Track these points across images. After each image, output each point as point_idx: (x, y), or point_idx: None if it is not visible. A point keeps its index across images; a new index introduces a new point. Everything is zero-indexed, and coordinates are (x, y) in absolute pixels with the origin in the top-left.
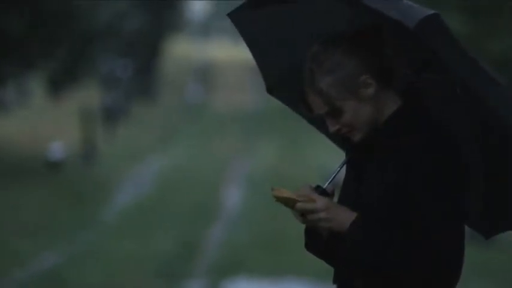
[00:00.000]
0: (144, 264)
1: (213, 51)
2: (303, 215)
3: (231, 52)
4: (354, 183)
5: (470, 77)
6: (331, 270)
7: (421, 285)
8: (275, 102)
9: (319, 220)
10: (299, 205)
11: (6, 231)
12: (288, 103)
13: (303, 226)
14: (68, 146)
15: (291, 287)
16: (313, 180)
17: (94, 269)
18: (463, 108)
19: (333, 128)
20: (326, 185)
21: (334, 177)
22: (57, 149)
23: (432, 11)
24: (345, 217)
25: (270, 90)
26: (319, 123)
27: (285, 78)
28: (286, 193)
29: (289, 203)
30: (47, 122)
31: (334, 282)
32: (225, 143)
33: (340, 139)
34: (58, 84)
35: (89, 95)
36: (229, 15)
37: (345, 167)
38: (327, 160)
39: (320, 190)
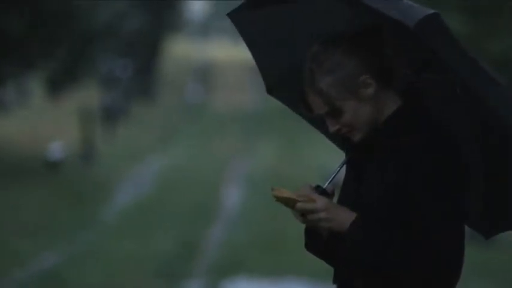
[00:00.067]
0: (144, 264)
1: (212, 51)
2: (303, 215)
3: (231, 52)
4: (354, 183)
5: (470, 77)
6: (331, 270)
7: (421, 285)
8: (275, 102)
9: (319, 220)
10: (299, 205)
11: (6, 231)
12: (287, 103)
13: (303, 226)
14: (68, 146)
15: (291, 287)
16: (312, 180)
17: (94, 269)
18: (463, 108)
19: (333, 128)
20: (326, 185)
21: (334, 177)
22: (56, 149)
23: (432, 11)
24: (345, 217)
25: (270, 90)
26: (319, 123)
27: (285, 78)
28: (286, 193)
29: (289, 203)
30: (47, 122)
31: (334, 282)
32: (224, 143)
33: (340, 139)
34: (58, 84)
35: (88, 95)
36: (229, 15)
37: (344, 167)
38: (327, 160)
39: (320, 190)
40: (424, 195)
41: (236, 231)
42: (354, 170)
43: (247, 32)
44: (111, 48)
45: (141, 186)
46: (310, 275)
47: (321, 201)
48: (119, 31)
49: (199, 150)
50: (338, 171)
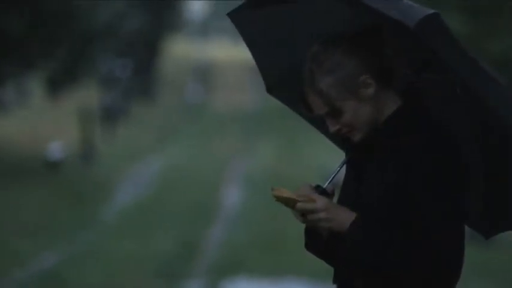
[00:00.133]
0: (144, 264)
1: (212, 51)
2: (303, 215)
3: (231, 52)
4: (354, 183)
5: (470, 77)
6: (331, 270)
7: (421, 285)
8: (274, 102)
9: (319, 220)
10: (299, 205)
11: (6, 231)
12: (287, 103)
13: (303, 226)
14: (68, 146)
15: (290, 287)
16: (312, 180)
17: (94, 269)
18: (463, 108)
19: (333, 128)
20: (326, 184)
21: (334, 177)
22: (56, 149)
23: (432, 11)
24: (345, 217)
25: (270, 90)
26: (319, 123)
27: (285, 78)
28: (286, 193)
29: (289, 203)
30: (47, 122)
31: (334, 282)
32: (224, 143)
33: (340, 139)
34: (58, 84)
35: (88, 95)
36: (229, 15)
37: (344, 166)
38: (327, 160)
39: (320, 190)
40: (424, 195)
41: (236, 231)
42: (354, 170)
43: (247, 31)
44: (111, 48)
45: (141, 186)
46: (310, 275)
47: (321, 201)
48: (119, 31)
49: (199, 150)
50: (338, 171)
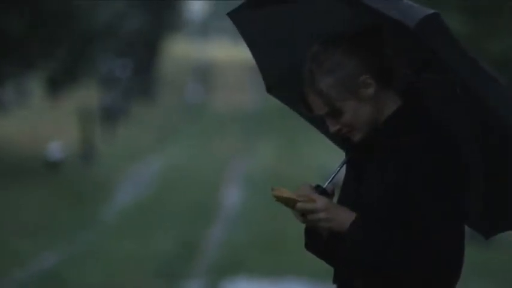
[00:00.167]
0: (144, 264)
1: (212, 51)
2: (303, 214)
3: (231, 52)
4: (354, 183)
5: (470, 77)
6: (331, 270)
7: (421, 285)
8: (274, 102)
9: (319, 220)
10: (299, 205)
11: (6, 231)
12: (287, 103)
13: (303, 226)
14: (67, 146)
15: (291, 287)
16: (312, 179)
17: (94, 269)
18: (463, 108)
19: (333, 128)
20: (326, 184)
21: (334, 176)
22: (56, 149)
23: (432, 11)
24: (345, 217)
25: (270, 90)
26: (319, 122)
27: (285, 78)
28: (286, 193)
29: (289, 203)
30: (46, 122)
31: (334, 282)
32: (224, 143)
33: (340, 139)
34: (58, 84)
35: (88, 95)
36: (229, 14)
37: (344, 166)
38: (327, 160)
39: (320, 190)
40: (424, 195)
41: (236, 231)
42: (354, 169)
43: (248, 31)
44: (111, 48)
45: (141, 186)
46: (310, 275)
47: (321, 201)
48: (119, 31)
49: (199, 150)
50: (338, 171)
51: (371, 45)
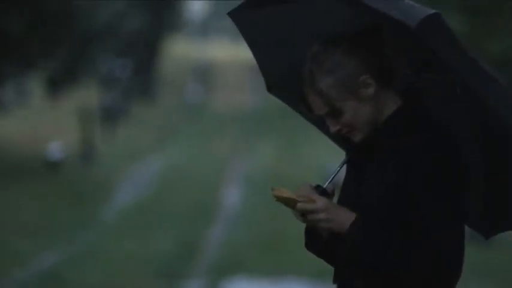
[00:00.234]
0: (144, 264)
1: (212, 51)
2: (303, 215)
3: (231, 52)
4: (354, 183)
5: (470, 77)
6: (331, 270)
7: (421, 285)
8: (274, 102)
9: (319, 220)
10: (299, 205)
11: (6, 231)
12: (288, 102)
13: (303, 226)
14: (67, 146)
15: (291, 287)
16: (312, 179)
17: (94, 269)
18: (463, 108)
19: (333, 129)
20: (326, 184)
21: (334, 177)
22: (56, 149)
23: (433, 11)
24: (345, 217)
25: (270, 89)
26: (319, 122)
27: (285, 78)
28: (286, 193)
29: (289, 203)
30: (46, 122)
31: (334, 282)
32: (224, 143)
33: (341, 139)
34: (58, 84)
35: (88, 95)
36: (230, 14)
37: (345, 166)
38: (327, 160)
39: (320, 190)
40: (424, 195)
41: (236, 231)
42: (354, 170)
43: (248, 31)
44: (111, 48)
45: (141, 186)
46: (310, 275)
47: (321, 202)
48: (119, 31)
49: (199, 150)
50: (338, 171)
51: (371, 45)
